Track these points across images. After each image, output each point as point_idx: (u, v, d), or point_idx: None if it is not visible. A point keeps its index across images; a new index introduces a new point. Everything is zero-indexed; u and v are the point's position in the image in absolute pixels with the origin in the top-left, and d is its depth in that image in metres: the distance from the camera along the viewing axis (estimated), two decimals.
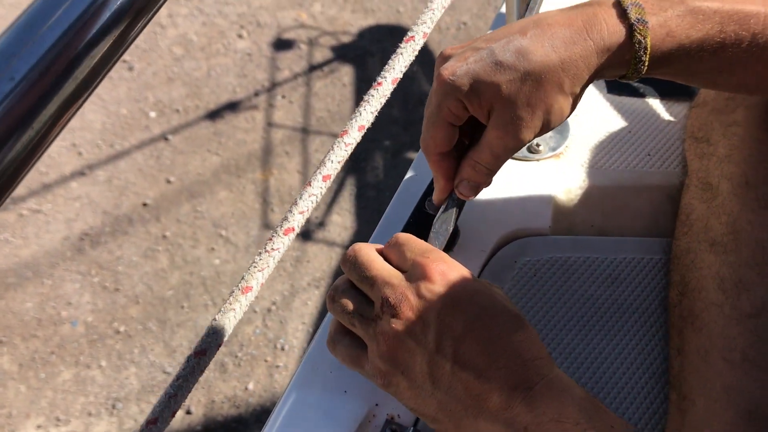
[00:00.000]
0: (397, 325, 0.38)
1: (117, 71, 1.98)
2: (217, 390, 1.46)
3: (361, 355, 0.41)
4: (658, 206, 0.54)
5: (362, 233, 1.74)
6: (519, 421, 0.35)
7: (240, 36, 2.08)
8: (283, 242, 0.38)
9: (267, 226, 1.75)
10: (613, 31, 0.39)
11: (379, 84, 0.46)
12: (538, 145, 0.57)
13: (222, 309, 0.39)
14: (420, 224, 0.50)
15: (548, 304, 0.50)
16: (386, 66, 0.46)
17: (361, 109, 0.46)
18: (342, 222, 1.77)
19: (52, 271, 1.60)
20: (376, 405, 0.44)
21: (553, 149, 0.57)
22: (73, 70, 0.24)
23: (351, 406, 0.44)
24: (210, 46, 2.05)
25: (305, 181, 1.83)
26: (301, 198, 0.40)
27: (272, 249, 0.39)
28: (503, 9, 0.63)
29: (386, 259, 0.42)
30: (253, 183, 1.80)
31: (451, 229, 0.46)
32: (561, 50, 0.39)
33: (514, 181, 0.55)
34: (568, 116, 0.42)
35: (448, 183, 0.45)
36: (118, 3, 0.24)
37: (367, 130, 0.47)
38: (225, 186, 1.79)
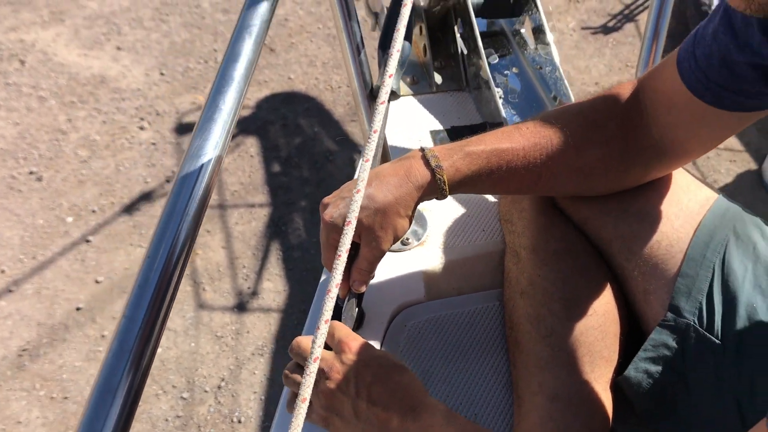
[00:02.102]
0: (330, 384, 0.63)
1: (26, 183, 2.13)
2: None
3: (310, 410, 0.67)
4: (493, 267, 0.84)
5: (295, 294, 1.93)
6: None
7: (142, 128, 2.29)
8: (348, 233, 0.57)
9: (201, 306, 1.94)
10: (422, 175, 0.68)
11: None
12: (407, 239, 0.85)
13: (332, 276, 0.56)
14: (334, 312, 0.77)
15: (431, 351, 0.78)
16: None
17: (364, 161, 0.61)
18: (274, 287, 1.99)
19: None
20: None
21: (419, 239, 0.85)
22: None
23: None
24: (114, 142, 2.25)
25: (231, 255, 2.05)
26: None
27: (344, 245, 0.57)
28: None
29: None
30: None
31: (355, 314, 0.73)
32: (394, 192, 0.68)
33: (395, 268, 0.83)
34: (409, 228, 0.71)
35: (346, 283, 0.73)
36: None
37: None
38: None
